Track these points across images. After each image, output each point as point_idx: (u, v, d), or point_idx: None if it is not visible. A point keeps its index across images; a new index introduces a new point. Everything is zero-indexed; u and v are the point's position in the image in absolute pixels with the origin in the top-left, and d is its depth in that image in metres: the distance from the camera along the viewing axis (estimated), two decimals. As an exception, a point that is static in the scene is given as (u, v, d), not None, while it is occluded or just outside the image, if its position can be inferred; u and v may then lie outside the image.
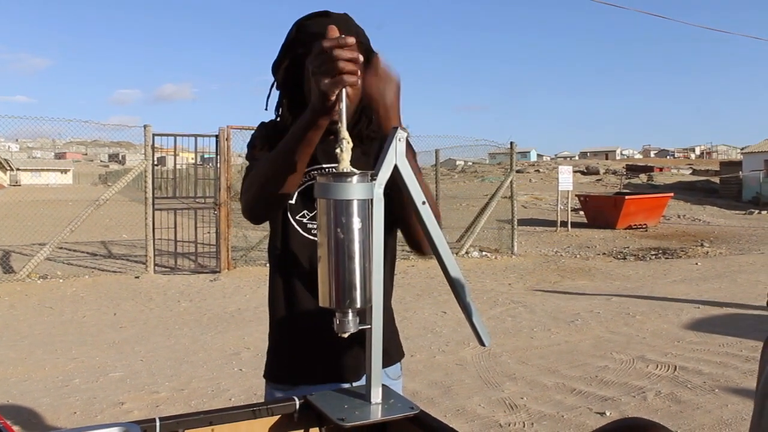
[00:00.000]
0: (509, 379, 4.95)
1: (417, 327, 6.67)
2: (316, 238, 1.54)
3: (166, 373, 5.15)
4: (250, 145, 1.64)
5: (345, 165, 1.26)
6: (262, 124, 1.68)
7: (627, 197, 17.28)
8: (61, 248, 11.40)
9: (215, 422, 1.36)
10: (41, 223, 12.60)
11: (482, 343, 1.52)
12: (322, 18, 1.56)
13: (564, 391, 4.71)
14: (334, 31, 1.24)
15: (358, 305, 1.28)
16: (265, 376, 1.70)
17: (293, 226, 1.61)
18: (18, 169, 61.92)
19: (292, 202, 1.59)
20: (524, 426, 4.09)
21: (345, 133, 1.25)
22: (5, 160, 45.92)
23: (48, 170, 70.82)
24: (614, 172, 43.12)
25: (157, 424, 1.30)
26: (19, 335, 6.58)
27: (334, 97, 1.26)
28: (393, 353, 1.78)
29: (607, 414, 4.23)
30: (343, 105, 1.25)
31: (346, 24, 1.56)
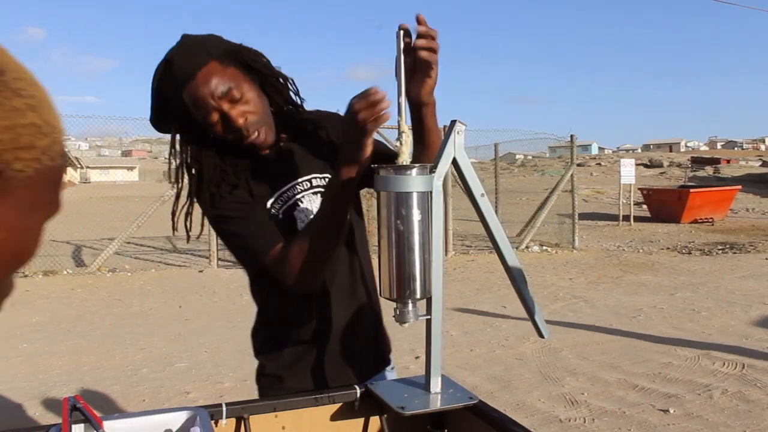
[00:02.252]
0: (570, 375, 4.91)
1: (477, 321, 6.66)
2: None
3: (230, 364, 5.28)
4: (216, 207, 1.55)
5: (404, 158, 1.28)
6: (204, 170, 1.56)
7: (692, 190, 16.79)
8: (128, 243, 11.76)
9: (279, 409, 1.41)
10: (110, 218, 13.02)
11: (541, 335, 1.53)
12: (168, 66, 1.47)
13: (626, 387, 4.64)
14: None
15: (418, 296, 1.30)
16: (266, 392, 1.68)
17: None
18: (87, 167, 64.04)
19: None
20: (585, 422, 4.05)
21: (405, 127, 1.28)
22: (76, 158, 47.59)
23: (115, 168, 73.01)
24: (678, 165, 41.96)
25: (224, 409, 1.36)
26: (91, 326, 6.83)
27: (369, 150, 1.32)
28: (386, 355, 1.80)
29: (671, 411, 4.15)
30: (403, 99, 1.28)
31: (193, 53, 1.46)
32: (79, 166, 54.19)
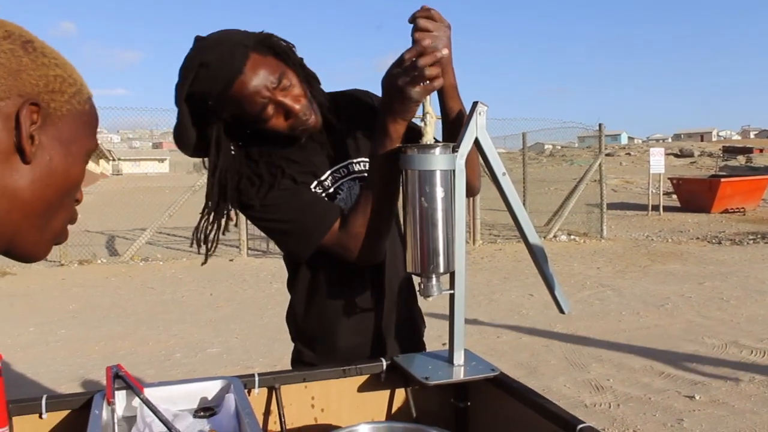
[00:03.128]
0: (596, 361, 4.93)
1: (504, 309, 6.69)
2: None
3: (260, 350, 5.38)
4: (250, 204, 1.50)
5: (429, 138, 1.33)
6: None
7: (723, 180, 16.56)
8: (160, 233, 11.95)
9: (308, 379, 1.47)
10: (142, 209, 13.21)
11: (562, 311, 1.58)
12: (203, 70, 1.38)
13: (652, 373, 4.65)
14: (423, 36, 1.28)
15: (441, 270, 1.35)
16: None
17: None
18: (119, 159, 64.86)
19: None
20: (610, 407, 4.08)
21: (430, 108, 1.33)
22: (108, 150, 48.36)
23: (146, 160, 73.89)
24: (710, 155, 41.36)
25: (256, 378, 1.42)
26: (125, 312, 7.00)
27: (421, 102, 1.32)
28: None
29: (697, 398, 4.16)
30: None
31: (227, 57, 1.38)
32: (111, 158, 54.94)
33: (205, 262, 1.63)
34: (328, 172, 1.58)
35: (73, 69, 0.75)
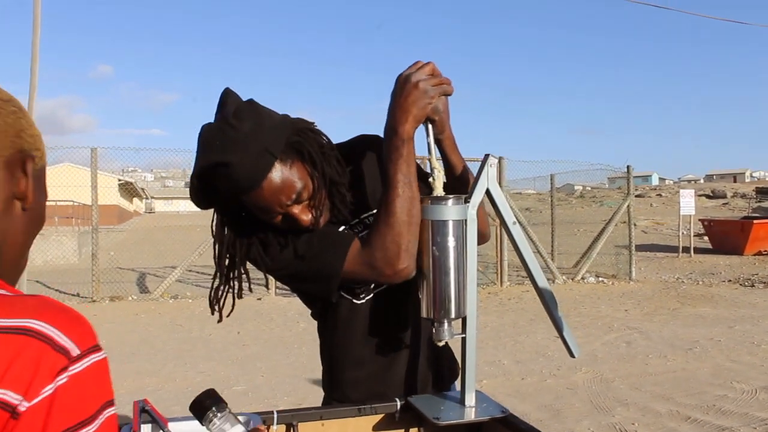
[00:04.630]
0: (621, 405, 4.89)
1: (529, 351, 6.67)
2: (361, 301, 1.58)
3: (285, 388, 5.43)
4: (259, 263, 1.52)
5: (438, 191, 1.41)
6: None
7: (755, 221, 16.38)
8: (190, 271, 12.11)
9: (325, 417, 1.53)
10: (173, 247, 13.45)
11: (572, 355, 1.63)
12: (223, 168, 1.31)
13: (678, 418, 4.60)
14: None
15: (453, 316, 1.41)
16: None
17: (344, 297, 1.58)
18: (152, 198, 65.93)
19: None
20: (635, 451, 4.05)
21: (436, 163, 1.42)
22: (141, 189, 49.29)
23: (179, 198, 74.89)
24: (743, 196, 40.85)
25: (275, 415, 1.49)
26: (153, 349, 7.10)
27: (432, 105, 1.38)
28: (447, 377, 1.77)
29: (724, 443, 4.11)
30: (431, 139, 1.42)
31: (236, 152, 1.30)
32: (144, 196, 55.89)
33: (220, 320, 1.63)
34: (344, 228, 1.55)
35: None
